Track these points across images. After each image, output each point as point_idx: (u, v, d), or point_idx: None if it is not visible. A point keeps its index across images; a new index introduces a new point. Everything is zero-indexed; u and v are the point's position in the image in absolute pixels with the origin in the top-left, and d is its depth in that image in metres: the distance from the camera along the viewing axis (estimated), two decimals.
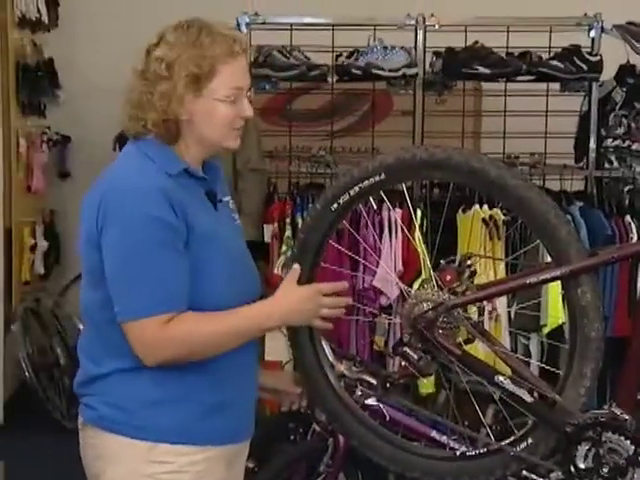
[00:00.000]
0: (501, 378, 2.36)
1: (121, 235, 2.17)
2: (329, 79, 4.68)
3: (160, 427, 2.24)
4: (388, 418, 2.95)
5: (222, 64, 2.23)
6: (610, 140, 4.72)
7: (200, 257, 2.23)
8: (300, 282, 2.44)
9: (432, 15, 4.67)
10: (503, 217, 4.26)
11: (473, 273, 2.45)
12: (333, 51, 4.74)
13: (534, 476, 3.15)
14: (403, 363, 2.45)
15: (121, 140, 5.56)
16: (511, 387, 2.35)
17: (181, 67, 2.21)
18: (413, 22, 4.67)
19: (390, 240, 4.24)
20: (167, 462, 2.24)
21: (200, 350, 2.23)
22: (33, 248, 5.81)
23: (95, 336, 2.30)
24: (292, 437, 3.56)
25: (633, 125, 4.75)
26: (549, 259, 2.39)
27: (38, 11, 5.67)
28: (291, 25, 4.71)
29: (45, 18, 5.77)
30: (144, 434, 2.23)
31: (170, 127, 2.25)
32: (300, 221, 4.33)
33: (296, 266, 2.38)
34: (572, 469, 2.35)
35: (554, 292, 3.98)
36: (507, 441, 2.43)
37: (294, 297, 2.32)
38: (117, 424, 2.24)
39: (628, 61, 4.71)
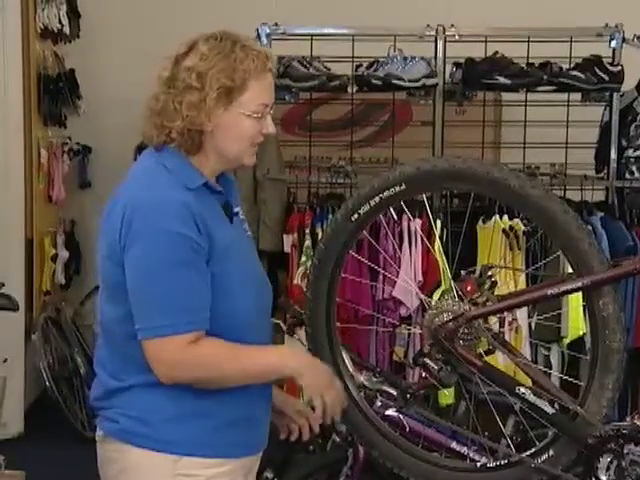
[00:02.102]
0: (522, 389, 2.35)
1: (144, 252, 2.15)
2: (349, 89, 4.69)
3: (185, 440, 2.23)
4: (408, 429, 2.94)
5: (254, 79, 2.22)
6: (631, 150, 4.70)
7: (221, 272, 2.21)
8: (320, 293, 2.45)
9: (452, 25, 4.67)
10: (523, 228, 4.25)
11: (493, 284, 2.44)
12: (353, 61, 4.75)
13: None
14: (423, 374, 2.44)
15: (142, 150, 5.58)
16: (532, 398, 2.34)
17: (213, 78, 2.19)
18: (433, 32, 4.67)
19: (410, 250, 4.24)
20: (192, 475, 2.23)
21: (213, 378, 2.21)
22: (54, 258, 5.83)
23: (115, 350, 2.28)
24: (311, 448, 3.55)
25: None
26: (570, 270, 2.38)
27: (60, 22, 5.70)
28: (311, 36, 4.73)
29: (67, 29, 5.80)
30: (170, 447, 2.22)
31: (194, 137, 2.23)
32: (320, 231, 4.33)
33: None
34: None
35: (575, 303, 3.96)
36: (528, 453, 2.42)
37: (322, 368, 2.34)
38: (141, 437, 2.23)
39: None
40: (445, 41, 4.66)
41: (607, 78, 4.56)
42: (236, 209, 2.40)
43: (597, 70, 4.56)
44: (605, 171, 4.83)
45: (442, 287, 2.56)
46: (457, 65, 4.74)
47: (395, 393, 2.80)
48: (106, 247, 2.22)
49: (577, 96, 4.77)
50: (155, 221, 2.15)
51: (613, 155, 4.72)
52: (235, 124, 2.23)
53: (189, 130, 2.22)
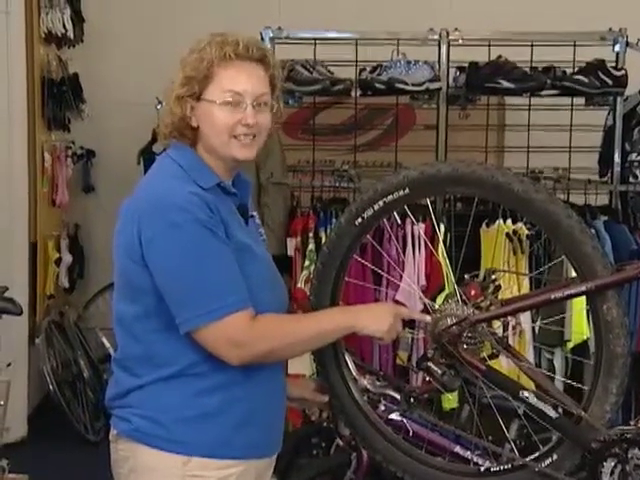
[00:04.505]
0: (526, 393, 2.35)
1: (173, 245, 2.16)
2: (352, 93, 4.69)
3: (195, 441, 2.24)
4: (411, 433, 2.94)
5: (217, 67, 2.26)
6: (635, 154, 4.70)
7: (242, 268, 2.23)
8: (324, 296, 2.45)
9: (455, 29, 4.67)
10: (527, 232, 4.24)
11: (497, 288, 2.44)
12: (357, 65, 4.75)
13: None
14: (427, 378, 2.44)
15: (145, 154, 5.60)
16: (536, 402, 2.34)
17: (181, 70, 2.28)
18: (436, 37, 4.67)
19: (413, 254, 4.23)
20: (201, 476, 2.24)
21: (288, 346, 2.26)
22: (58, 262, 5.84)
23: (133, 348, 2.28)
24: (315, 452, 3.55)
25: None
26: (574, 274, 2.38)
27: (64, 27, 5.72)
28: (315, 39, 4.72)
29: (70, 34, 5.82)
30: (179, 448, 2.23)
31: (181, 129, 2.30)
32: (323, 235, 4.33)
33: None
34: None
35: (578, 307, 3.95)
36: (532, 457, 2.42)
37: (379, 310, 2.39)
38: (152, 437, 2.25)
39: None
40: (448, 45, 4.66)
41: (611, 82, 4.55)
42: (252, 213, 2.44)
43: (600, 74, 4.55)
44: (609, 175, 4.82)
45: (446, 291, 2.56)
46: (460, 69, 4.74)
47: (399, 397, 2.79)
48: (122, 246, 2.24)
49: (581, 100, 4.77)
50: (175, 215, 2.16)
51: (617, 159, 4.72)
52: (208, 114, 2.27)
53: (177, 125, 2.29)
